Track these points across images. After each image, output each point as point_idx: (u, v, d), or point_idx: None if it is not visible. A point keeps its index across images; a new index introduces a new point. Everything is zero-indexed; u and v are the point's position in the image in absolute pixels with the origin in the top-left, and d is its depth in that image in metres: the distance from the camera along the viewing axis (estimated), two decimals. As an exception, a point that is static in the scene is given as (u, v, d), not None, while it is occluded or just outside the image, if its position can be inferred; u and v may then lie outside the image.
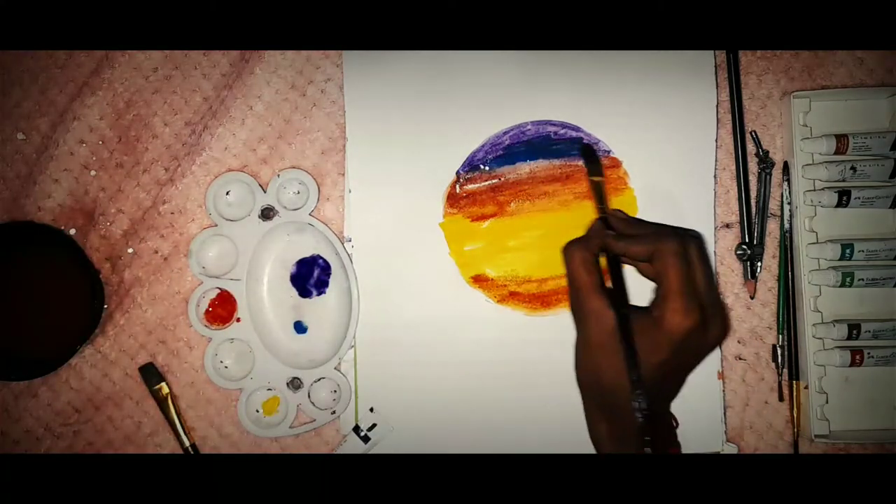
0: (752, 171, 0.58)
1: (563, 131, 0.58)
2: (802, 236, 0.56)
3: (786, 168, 0.57)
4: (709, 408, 0.57)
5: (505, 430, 0.57)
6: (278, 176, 0.57)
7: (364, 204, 0.58)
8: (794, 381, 0.56)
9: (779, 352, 0.57)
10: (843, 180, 0.55)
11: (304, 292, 0.57)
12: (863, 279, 0.55)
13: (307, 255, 0.57)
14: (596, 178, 0.54)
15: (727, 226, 0.58)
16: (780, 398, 0.57)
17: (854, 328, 0.55)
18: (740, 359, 0.57)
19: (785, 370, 0.57)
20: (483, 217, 0.58)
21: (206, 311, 0.57)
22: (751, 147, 0.58)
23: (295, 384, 0.57)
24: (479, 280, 0.58)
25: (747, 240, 0.57)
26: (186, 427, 0.57)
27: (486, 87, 0.58)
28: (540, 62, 0.58)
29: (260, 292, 0.57)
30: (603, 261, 0.50)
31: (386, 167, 0.58)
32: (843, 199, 0.55)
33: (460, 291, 0.58)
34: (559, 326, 0.57)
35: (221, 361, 0.57)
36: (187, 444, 0.57)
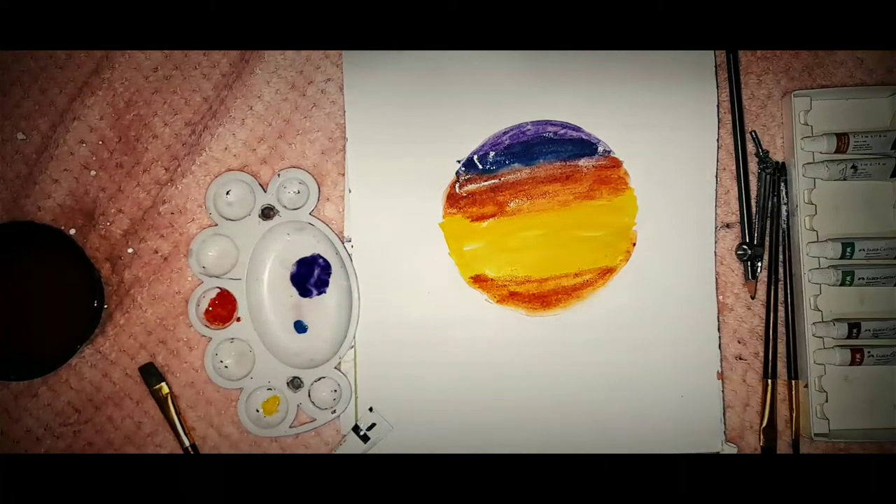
0: (752, 171, 0.58)
1: (563, 131, 0.58)
2: (802, 235, 0.56)
3: (785, 167, 0.57)
4: (709, 408, 0.56)
5: (505, 430, 0.57)
6: (278, 175, 0.57)
7: (364, 204, 0.58)
8: (794, 380, 0.56)
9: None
10: (844, 179, 0.55)
11: (305, 292, 0.57)
12: (863, 278, 0.55)
13: (307, 254, 0.57)
14: None
15: (727, 226, 0.58)
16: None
17: (854, 327, 0.55)
18: (740, 359, 0.57)
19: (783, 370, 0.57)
20: (483, 217, 0.58)
21: (207, 311, 0.57)
22: (751, 147, 0.58)
23: (295, 384, 0.57)
24: (478, 280, 0.58)
25: (747, 240, 0.57)
26: (186, 427, 0.57)
27: (486, 87, 0.58)
28: (540, 62, 0.58)
29: (260, 292, 0.57)
30: None
31: (386, 167, 0.58)
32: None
33: (460, 291, 0.58)
34: (559, 326, 0.57)
35: (221, 361, 0.57)
36: (187, 444, 0.57)
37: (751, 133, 0.58)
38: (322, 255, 0.57)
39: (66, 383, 0.58)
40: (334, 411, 0.56)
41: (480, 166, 0.58)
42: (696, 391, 0.57)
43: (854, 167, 0.55)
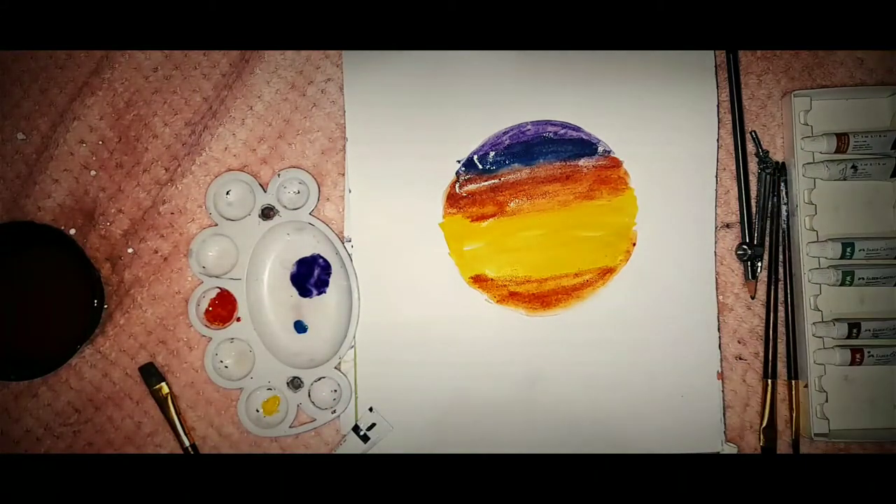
0: (752, 171, 0.58)
1: (563, 131, 0.58)
2: (802, 235, 0.56)
3: (785, 167, 0.57)
4: (708, 408, 0.56)
5: (504, 430, 0.57)
6: (278, 175, 0.57)
7: (364, 204, 0.58)
8: (794, 381, 0.56)
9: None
10: (844, 179, 0.55)
11: (305, 292, 0.57)
12: (863, 278, 0.55)
13: (307, 254, 0.57)
14: None
15: (727, 226, 0.58)
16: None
17: (854, 327, 0.55)
18: (740, 359, 0.57)
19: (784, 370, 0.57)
20: (483, 217, 0.58)
21: (207, 311, 0.57)
22: (751, 147, 0.58)
23: (295, 384, 0.57)
24: (478, 280, 0.58)
25: (747, 240, 0.57)
26: (186, 427, 0.57)
27: (486, 87, 0.58)
28: (540, 62, 0.58)
29: (260, 292, 0.57)
30: None
31: (386, 167, 0.58)
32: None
33: (460, 291, 0.58)
34: (559, 326, 0.57)
35: (221, 361, 0.57)
36: (187, 444, 0.57)
37: (751, 133, 0.58)
38: (322, 255, 0.57)
39: (66, 383, 0.58)
40: (334, 411, 0.56)
41: (480, 166, 0.58)
42: (696, 391, 0.57)
43: (854, 167, 0.55)
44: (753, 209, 0.57)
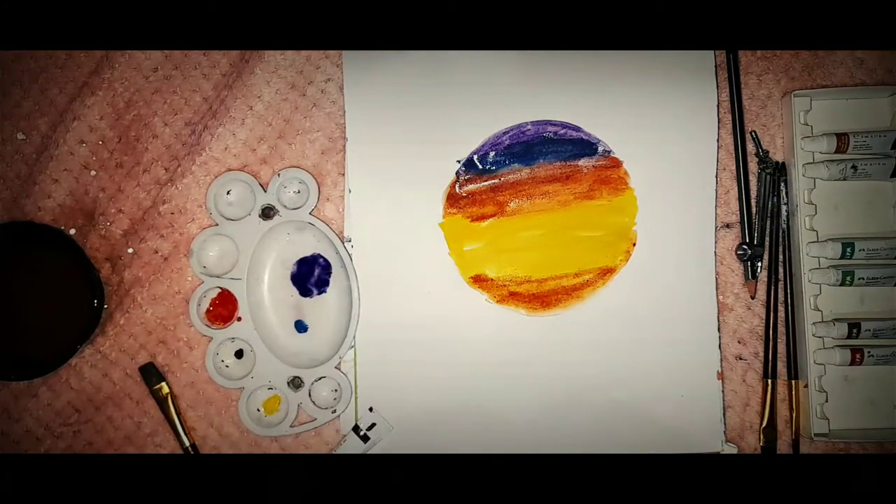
0: (752, 171, 0.58)
1: (563, 131, 0.58)
2: (802, 235, 0.56)
3: (785, 167, 0.57)
4: (708, 408, 0.56)
5: (504, 431, 0.57)
6: (279, 175, 0.57)
7: (364, 204, 0.58)
8: (794, 381, 0.56)
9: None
10: (844, 179, 0.55)
11: (305, 291, 0.57)
12: (863, 278, 0.55)
13: (307, 254, 0.57)
14: None
15: (727, 226, 0.58)
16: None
17: (854, 327, 0.55)
18: (740, 359, 0.57)
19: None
20: (483, 217, 0.58)
21: (207, 311, 0.57)
22: (751, 147, 0.58)
23: (296, 383, 0.57)
24: (478, 280, 0.58)
25: (747, 240, 0.57)
26: (186, 427, 0.57)
27: (486, 87, 0.58)
28: (540, 62, 0.58)
29: (261, 291, 0.57)
30: None
31: (386, 167, 0.58)
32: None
33: (460, 291, 0.58)
34: (559, 326, 0.57)
35: (223, 360, 0.57)
36: (187, 444, 0.57)
37: (751, 133, 0.58)
38: (322, 254, 0.57)
39: (66, 383, 0.58)
40: (334, 411, 0.56)
41: (480, 166, 0.58)
42: (696, 391, 0.57)
43: (854, 167, 0.55)
44: (753, 209, 0.57)
